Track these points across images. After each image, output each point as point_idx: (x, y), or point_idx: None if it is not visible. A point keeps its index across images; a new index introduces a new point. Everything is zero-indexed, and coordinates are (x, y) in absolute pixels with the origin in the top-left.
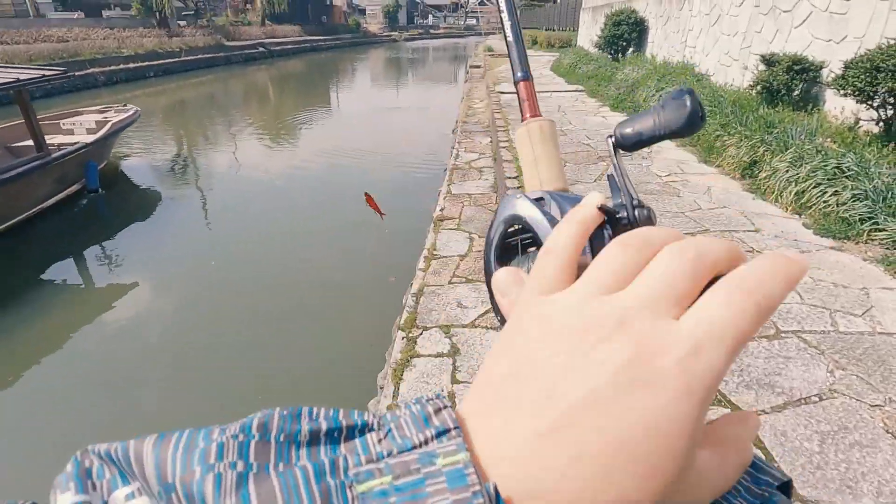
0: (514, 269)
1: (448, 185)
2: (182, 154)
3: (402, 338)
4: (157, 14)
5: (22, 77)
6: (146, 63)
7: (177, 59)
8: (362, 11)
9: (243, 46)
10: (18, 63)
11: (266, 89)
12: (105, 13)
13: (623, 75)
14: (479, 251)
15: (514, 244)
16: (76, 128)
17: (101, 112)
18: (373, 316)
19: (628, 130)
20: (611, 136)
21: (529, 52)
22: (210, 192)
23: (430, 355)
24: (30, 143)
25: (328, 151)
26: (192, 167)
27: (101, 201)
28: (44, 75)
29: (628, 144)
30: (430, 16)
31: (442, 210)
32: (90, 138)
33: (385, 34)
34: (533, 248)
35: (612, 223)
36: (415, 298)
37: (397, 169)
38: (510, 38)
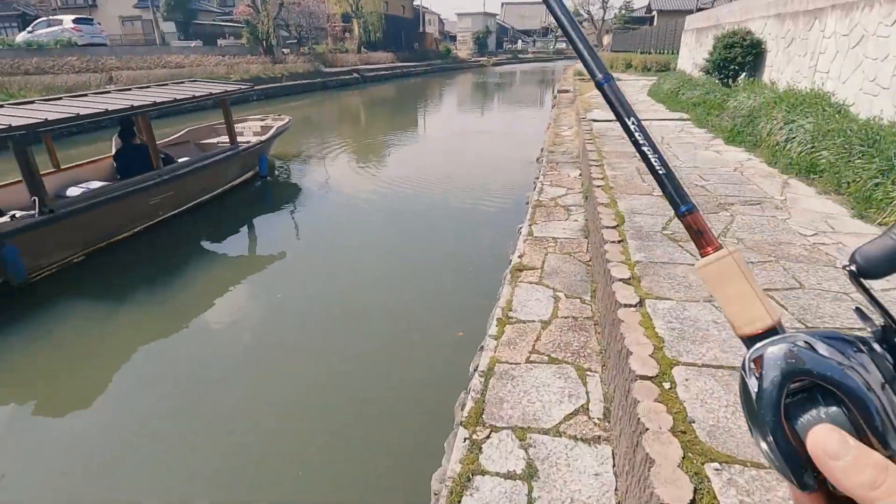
0: (839, 430)
1: (530, 224)
2: (287, 164)
3: (465, 439)
4: (264, 42)
5: (229, 89)
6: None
7: (277, 84)
8: (453, 38)
9: (339, 72)
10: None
11: (357, 112)
12: (220, 42)
13: (736, 103)
14: (567, 317)
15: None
16: (245, 130)
17: (262, 120)
18: (433, 381)
19: (876, 255)
20: (849, 266)
21: (623, 76)
22: (303, 203)
23: (497, 474)
24: (211, 140)
25: (406, 177)
26: (296, 176)
27: (266, 184)
28: (240, 88)
29: (877, 273)
30: (520, 41)
31: (521, 257)
32: (262, 137)
33: (474, 59)
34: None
35: None
36: (483, 379)
37: (475, 199)
38: (659, 171)
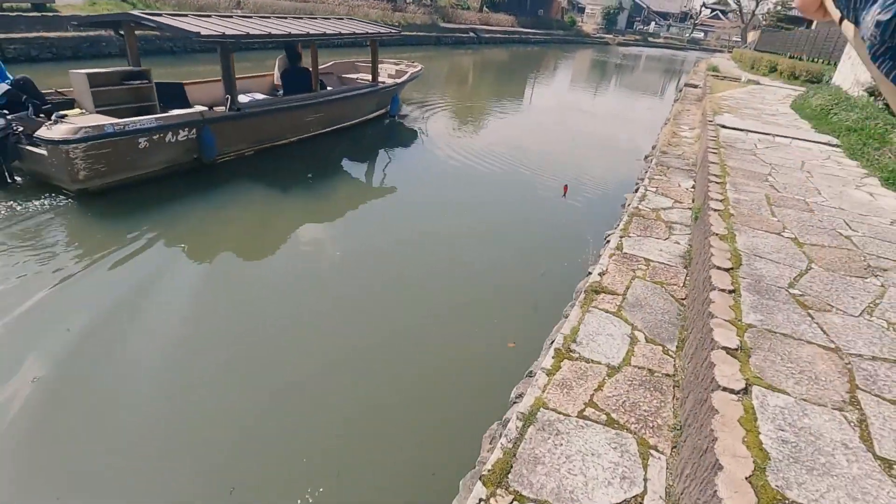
0: None
1: (621, 236)
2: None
3: (480, 502)
4: None
5: (382, 31)
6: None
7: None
8: (581, 9)
9: (455, 29)
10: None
11: (467, 73)
12: None
13: None
14: (642, 367)
15: None
16: (381, 72)
17: (397, 64)
18: (469, 391)
19: None
20: None
21: (765, 81)
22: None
23: None
24: (351, 75)
25: (497, 151)
26: (416, 123)
27: (393, 124)
28: (390, 32)
29: None
30: (654, 23)
31: (602, 275)
32: (397, 80)
33: (599, 35)
34: None
35: None
36: (521, 424)
37: (569, 186)
38: None
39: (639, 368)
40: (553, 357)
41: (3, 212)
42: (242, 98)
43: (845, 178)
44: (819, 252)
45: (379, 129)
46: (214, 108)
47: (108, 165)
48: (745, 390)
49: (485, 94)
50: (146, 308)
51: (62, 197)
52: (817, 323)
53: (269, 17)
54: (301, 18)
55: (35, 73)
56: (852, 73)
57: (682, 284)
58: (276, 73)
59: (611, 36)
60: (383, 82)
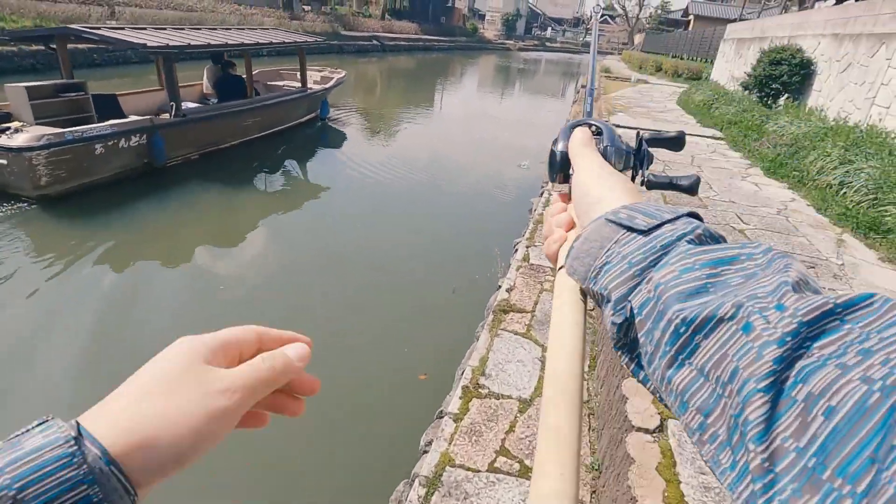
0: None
1: (527, 246)
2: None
3: None
4: None
5: (309, 41)
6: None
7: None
8: (482, 16)
9: (358, 38)
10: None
11: (374, 82)
12: None
13: (777, 127)
14: None
15: None
16: (308, 79)
17: (321, 71)
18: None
19: None
20: None
21: (652, 80)
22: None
23: None
24: (276, 82)
25: (408, 158)
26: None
27: (325, 126)
28: (316, 41)
29: None
30: (550, 28)
31: (509, 291)
32: (325, 85)
33: (500, 42)
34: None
35: None
36: (424, 491)
37: (476, 197)
38: None
39: None
40: (461, 397)
41: None
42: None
43: (732, 171)
44: None
45: (312, 131)
46: (160, 116)
47: (67, 171)
48: (660, 427)
49: (396, 102)
50: (109, 310)
51: (22, 204)
52: None
53: (200, 29)
54: (230, 29)
55: None
56: (727, 69)
57: None
58: (205, 82)
59: (511, 42)
60: (311, 88)
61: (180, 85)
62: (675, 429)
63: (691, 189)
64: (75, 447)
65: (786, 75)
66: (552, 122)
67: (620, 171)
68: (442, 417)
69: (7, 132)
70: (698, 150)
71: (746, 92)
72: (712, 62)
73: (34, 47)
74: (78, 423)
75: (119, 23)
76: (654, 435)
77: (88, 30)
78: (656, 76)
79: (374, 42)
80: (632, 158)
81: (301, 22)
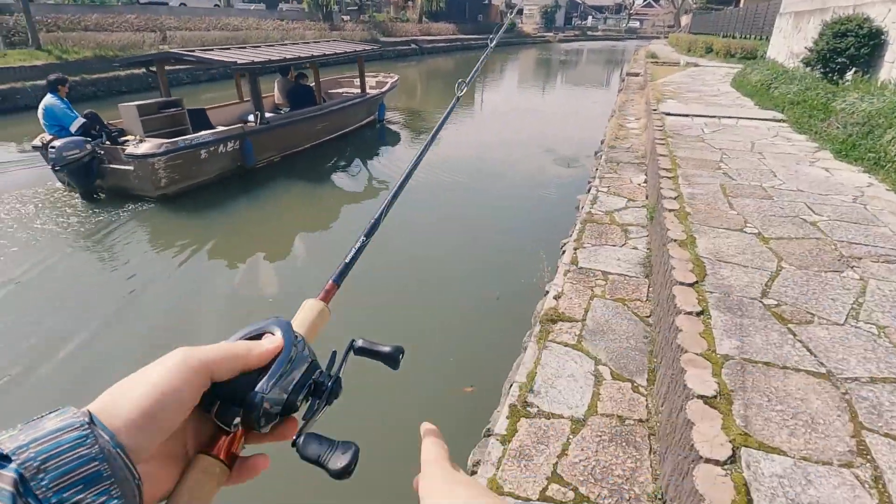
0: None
1: (575, 248)
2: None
3: None
4: (323, 8)
5: (367, 48)
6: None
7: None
8: (520, 11)
9: (396, 42)
10: (190, 48)
11: (414, 84)
12: (282, 6)
13: (846, 105)
14: (610, 415)
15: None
16: (371, 84)
17: (375, 76)
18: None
19: None
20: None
21: (703, 62)
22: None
23: None
24: (337, 90)
25: (446, 160)
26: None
27: (383, 127)
28: (374, 48)
29: None
30: (590, 17)
31: (557, 298)
32: (381, 90)
33: (539, 35)
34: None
35: None
36: None
37: (519, 196)
38: None
39: (607, 417)
40: (508, 417)
41: (102, 218)
42: (251, 117)
43: (797, 155)
44: (787, 246)
45: (372, 132)
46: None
47: (180, 174)
48: (732, 457)
49: (436, 102)
50: (213, 287)
51: (145, 203)
52: (801, 341)
53: (273, 46)
54: (297, 44)
55: None
56: (785, 45)
57: (645, 299)
58: (277, 93)
59: (551, 34)
60: (370, 93)
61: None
62: (749, 460)
63: (393, 360)
64: (88, 430)
65: (852, 48)
66: (597, 112)
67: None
68: (489, 437)
69: (132, 143)
70: (759, 135)
71: (808, 69)
72: (768, 39)
73: (131, 71)
74: (90, 412)
75: (171, 46)
76: (726, 467)
77: (186, 53)
78: (707, 58)
79: (413, 46)
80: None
81: (341, 32)
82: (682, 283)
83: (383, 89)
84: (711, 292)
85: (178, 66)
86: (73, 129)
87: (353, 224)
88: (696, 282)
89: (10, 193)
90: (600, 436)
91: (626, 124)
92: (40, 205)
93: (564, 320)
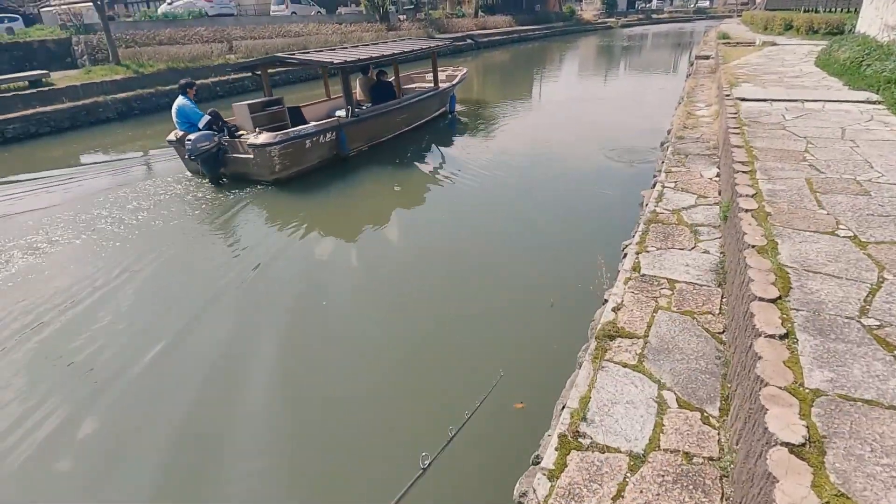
0: None
1: (637, 252)
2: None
3: None
4: (380, 9)
5: (440, 45)
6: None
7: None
8: None
9: (452, 38)
10: (254, 55)
11: (471, 78)
12: (340, 10)
13: None
14: (675, 451)
15: None
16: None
17: (444, 71)
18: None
19: None
20: None
21: (781, 40)
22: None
23: None
24: (409, 85)
25: (499, 157)
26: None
27: (454, 119)
28: (446, 43)
29: None
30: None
31: (616, 310)
32: (452, 83)
33: (600, 21)
34: None
35: None
36: None
37: (573, 191)
38: None
39: (671, 453)
40: (557, 449)
41: (229, 199)
42: (340, 112)
43: None
44: (890, 253)
45: (445, 123)
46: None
47: (290, 161)
48: None
49: (493, 96)
50: (317, 257)
51: (260, 186)
52: None
53: (357, 47)
54: (378, 44)
55: (35, 149)
56: (878, 17)
57: (717, 312)
58: (358, 90)
59: (613, 19)
60: (441, 86)
61: (338, 96)
62: None
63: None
64: None
65: None
66: (663, 100)
67: None
68: (537, 464)
69: (252, 135)
70: (850, 120)
71: None
72: (857, 11)
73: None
74: None
75: (237, 56)
76: None
77: (289, 56)
78: (786, 35)
79: (468, 41)
80: None
81: (398, 31)
82: (761, 299)
83: (454, 82)
84: (798, 310)
85: (278, 69)
86: (200, 125)
87: (433, 203)
88: (779, 297)
89: (148, 183)
90: (663, 476)
91: (695, 112)
92: (175, 191)
93: (624, 336)
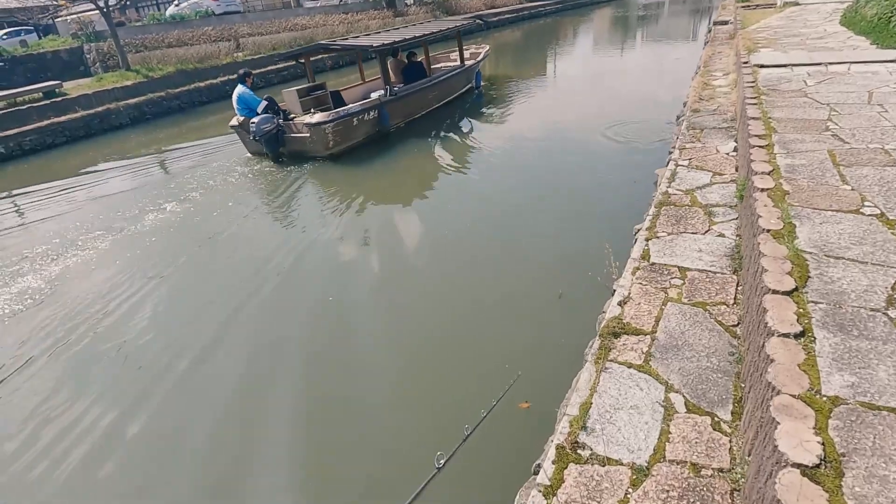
0: None
1: (646, 240)
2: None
3: None
4: None
5: (465, 24)
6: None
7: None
8: None
9: (460, 20)
10: (262, 51)
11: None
12: None
13: None
14: (681, 462)
15: None
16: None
17: (467, 49)
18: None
19: None
20: None
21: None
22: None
23: None
24: (437, 65)
25: (514, 133)
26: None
27: (480, 94)
28: (470, 22)
29: None
30: None
31: (622, 304)
32: (476, 60)
33: None
34: None
35: None
36: None
37: (587, 174)
38: None
39: (678, 465)
40: (554, 462)
41: (290, 174)
42: (373, 94)
43: None
44: None
45: (472, 98)
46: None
47: (341, 137)
48: None
49: (508, 75)
50: (366, 222)
51: (318, 162)
52: None
53: (388, 31)
54: (407, 27)
55: (55, 160)
56: None
57: (732, 302)
58: (390, 72)
59: None
60: (467, 63)
61: (373, 79)
62: None
63: None
64: None
65: None
66: (680, 70)
67: None
68: (537, 473)
69: (308, 115)
70: (878, 83)
71: None
72: None
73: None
74: None
75: (244, 53)
76: None
77: (331, 42)
78: None
79: (478, 21)
80: None
81: (405, 17)
82: (775, 292)
83: (478, 59)
84: (816, 303)
85: (317, 56)
86: (259, 110)
87: (467, 173)
88: (796, 288)
89: (215, 164)
90: (667, 491)
91: (712, 82)
92: (240, 170)
93: (630, 333)
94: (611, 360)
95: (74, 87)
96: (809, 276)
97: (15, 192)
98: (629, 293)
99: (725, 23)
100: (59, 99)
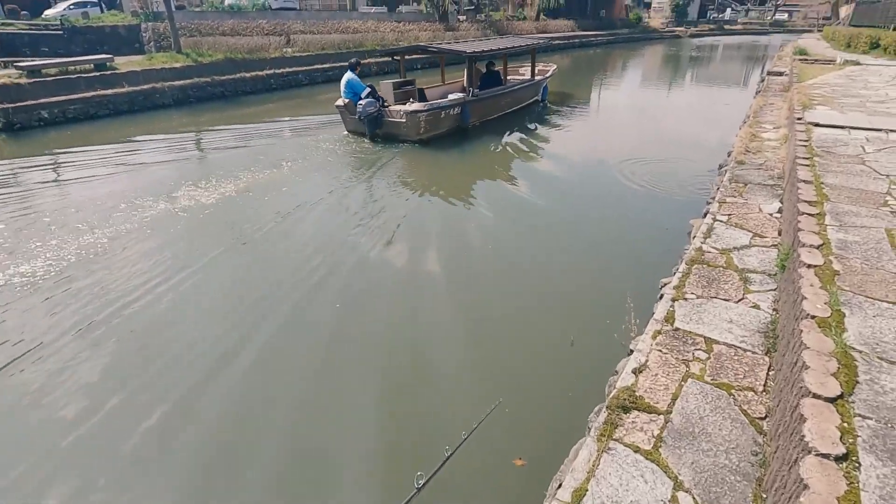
0: None
1: (673, 300)
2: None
3: None
4: (439, 9)
5: (539, 42)
6: (415, 56)
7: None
8: (647, 4)
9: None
10: (310, 50)
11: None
12: (401, 8)
13: None
14: None
15: None
16: (527, 72)
17: (536, 66)
18: None
19: None
20: None
21: (866, 60)
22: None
23: None
24: (509, 77)
25: (545, 168)
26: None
27: (545, 107)
28: (541, 43)
29: None
30: (729, 9)
31: (637, 372)
32: (545, 76)
33: (668, 29)
34: None
35: None
36: None
37: (616, 217)
38: None
39: None
40: None
41: (384, 152)
42: (450, 95)
43: None
44: None
45: (537, 109)
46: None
47: (431, 126)
48: None
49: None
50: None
51: (407, 145)
52: None
53: (474, 41)
54: (490, 39)
55: (95, 130)
56: None
57: (761, 389)
58: (465, 78)
59: (682, 28)
60: (537, 78)
61: (452, 82)
62: None
63: None
64: None
65: None
66: (728, 117)
67: None
68: None
69: (408, 104)
70: None
71: None
72: None
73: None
74: None
75: (293, 49)
76: None
77: (428, 45)
78: (871, 55)
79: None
80: None
81: (455, 32)
82: (817, 396)
83: (546, 75)
84: (864, 417)
85: (413, 56)
86: (363, 95)
87: (533, 167)
88: (841, 395)
89: (314, 140)
90: None
91: (760, 134)
92: (339, 146)
93: (642, 409)
94: (616, 440)
95: (125, 63)
96: (858, 382)
97: (81, 151)
98: (647, 360)
99: (780, 74)
100: (109, 73)
